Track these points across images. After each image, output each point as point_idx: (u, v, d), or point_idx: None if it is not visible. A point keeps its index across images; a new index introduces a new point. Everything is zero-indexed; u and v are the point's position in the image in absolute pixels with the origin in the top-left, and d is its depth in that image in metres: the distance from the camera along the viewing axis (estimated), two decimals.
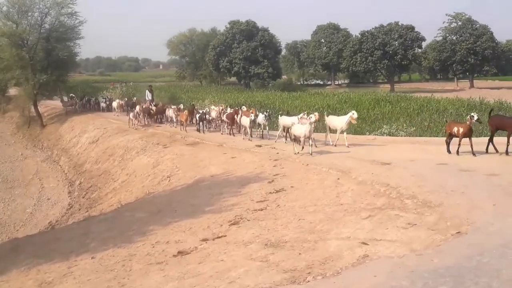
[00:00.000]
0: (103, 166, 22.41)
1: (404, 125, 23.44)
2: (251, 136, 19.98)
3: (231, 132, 21.74)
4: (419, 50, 78.23)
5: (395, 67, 76.96)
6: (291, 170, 14.08)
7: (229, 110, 22.92)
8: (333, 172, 12.93)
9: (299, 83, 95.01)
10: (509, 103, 33.79)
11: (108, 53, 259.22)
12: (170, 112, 26.15)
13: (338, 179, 12.20)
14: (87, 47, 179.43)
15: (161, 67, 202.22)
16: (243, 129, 20.64)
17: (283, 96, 45.45)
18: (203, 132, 22.71)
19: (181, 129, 23.93)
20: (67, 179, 23.74)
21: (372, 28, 76.97)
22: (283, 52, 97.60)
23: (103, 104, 36.07)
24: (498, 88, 65.61)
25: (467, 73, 78.33)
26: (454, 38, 77.21)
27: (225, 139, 20.68)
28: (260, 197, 11.89)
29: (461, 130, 14.25)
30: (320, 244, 7.77)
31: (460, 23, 76.77)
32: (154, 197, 15.31)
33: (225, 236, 9.34)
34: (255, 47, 72.15)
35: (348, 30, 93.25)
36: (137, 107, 27.40)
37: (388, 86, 75.85)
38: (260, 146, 18.25)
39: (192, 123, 24.61)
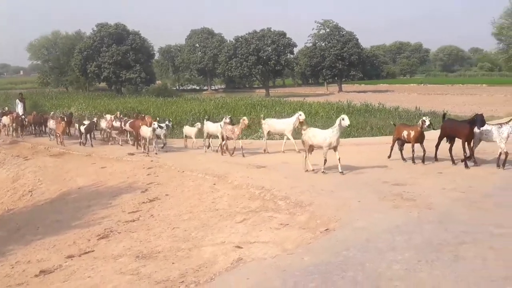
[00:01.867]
0: None
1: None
2: (154, 149, 17.58)
3: (137, 144, 19.04)
4: (291, 55, 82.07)
5: (269, 72, 79.77)
6: (166, 178, 13.90)
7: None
8: (209, 177, 12.98)
9: (174, 88, 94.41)
10: (374, 105, 36.81)
11: None
12: (51, 124, 22.61)
13: (214, 184, 12.28)
14: None
15: (21, 72, 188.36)
16: (142, 141, 18.28)
17: (158, 102, 44.86)
18: (91, 145, 20.07)
19: (58, 143, 21.30)
20: None
21: (246, 34, 79.14)
22: (157, 56, 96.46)
23: None
24: (364, 92, 71.07)
25: (336, 78, 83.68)
26: (323, 44, 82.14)
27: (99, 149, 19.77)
28: (133, 208, 11.56)
29: (412, 134, 13.04)
30: (195, 252, 7.74)
31: (328, 30, 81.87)
32: (14, 214, 14.15)
33: (93, 251, 8.91)
34: (126, 51, 70.36)
35: (222, 35, 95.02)
36: (4, 118, 25.30)
37: (263, 91, 78.36)
38: (132, 154, 17.75)
39: (70, 135, 22.90)
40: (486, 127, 12.16)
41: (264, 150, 17.02)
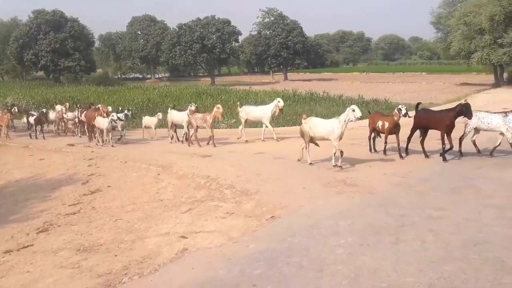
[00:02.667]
0: None
1: (225, 116, 24.27)
2: (110, 141, 16.83)
3: (92, 136, 18.00)
4: (236, 44, 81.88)
5: (214, 60, 79.33)
6: (108, 169, 13.62)
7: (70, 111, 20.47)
8: (153, 168, 12.82)
9: (116, 76, 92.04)
10: (318, 94, 37.36)
11: None
12: None
13: (159, 174, 12.14)
14: None
15: None
16: (98, 132, 17.27)
17: (99, 91, 43.76)
18: (43, 138, 19.07)
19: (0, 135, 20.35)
20: None
21: (190, 21, 78.21)
22: (97, 44, 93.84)
23: None
24: (309, 80, 71.95)
25: (281, 66, 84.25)
26: (268, 32, 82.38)
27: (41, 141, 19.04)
28: (73, 200, 11.28)
29: (386, 125, 12.21)
30: (138, 243, 7.65)
31: (272, 18, 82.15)
32: None
33: (32, 245, 8.63)
34: (64, 39, 68.08)
35: (165, 22, 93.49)
36: None
37: (209, 79, 77.91)
38: (72, 145, 17.24)
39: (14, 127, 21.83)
40: (486, 115, 11.75)
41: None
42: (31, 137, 19.48)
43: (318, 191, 9.10)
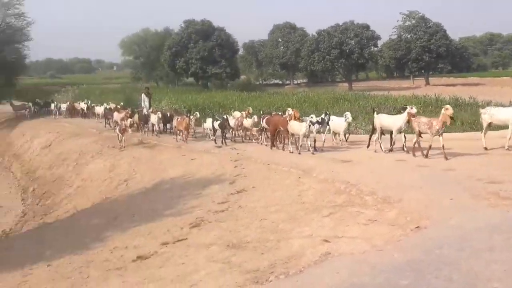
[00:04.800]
0: (57, 172, 21.85)
1: (363, 123, 23.86)
2: (311, 148, 15.21)
3: (274, 143, 16.77)
4: (375, 48, 79.97)
5: (352, 65, 78.22)
6: (252, 170, 14.11)
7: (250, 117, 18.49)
8: (294, 171, 13.03)
9: (258, 83, 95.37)
10: (464, 100, 34.97)
11: (59, 55, 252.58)
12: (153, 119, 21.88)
13: (300, 178, 12.30)
14: (37, 49, 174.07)
15: (115, 68, 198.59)
16: (291, 138, 15.72)
17: (243, 96, 45.48)
18: (225, 144, 18.29)
19: (177, 140, 20.20)
20: (20, 186, 22.98)
21: (328, 27, 78.10)
22: (241, 51, 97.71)
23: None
24: (453, 85, 67.72)
25: (423, 71, 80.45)
26: (409, 36, 79.19)
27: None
28: (222, 199, 11.87)
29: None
30: (283, 243, 7.84)
31: (414, 21, 78.86)
32: (111, 202, 15.05)
33: (186, 239, 9.28)
34: (212, 47, 71.77)
35: (304, 29, 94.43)
36: (115, 115, 23.76)
37: (346, 85, 77.09)
38: (220, 147, 18.19)
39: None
40: None
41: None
42: (215, 142, 18.80)
43: (467, 203, 8.53)
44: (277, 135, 16.86)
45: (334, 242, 7.41)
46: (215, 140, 19.03)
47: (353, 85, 76.47)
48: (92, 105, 30.94)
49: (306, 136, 14.91)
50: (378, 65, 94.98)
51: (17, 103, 36.42)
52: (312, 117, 14.91)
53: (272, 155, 15.76)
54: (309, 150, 15.18)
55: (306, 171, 12.79)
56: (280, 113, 18.13)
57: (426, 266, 5.87)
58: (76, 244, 10.91)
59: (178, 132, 20.31)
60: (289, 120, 15.41)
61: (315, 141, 15.72)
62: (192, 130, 21.37)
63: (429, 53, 75.69)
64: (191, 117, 20.54)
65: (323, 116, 15.91)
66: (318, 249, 7.23)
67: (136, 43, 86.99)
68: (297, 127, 15.00)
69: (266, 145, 17.28)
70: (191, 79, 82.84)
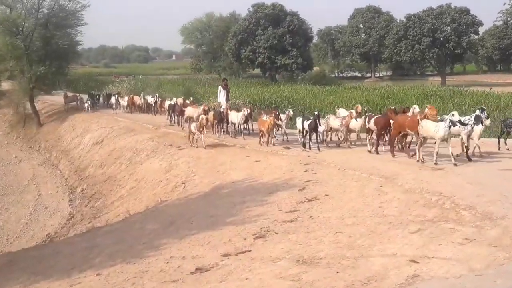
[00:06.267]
0: (108, 171, 22.67)
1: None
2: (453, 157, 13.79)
3: (398, 148, 16.16)
4: (476, 36, 77.39)
5: (447, 56, 76.18)
6: (325, 176, 14.04)
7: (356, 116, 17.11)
8: (375, 178, 12.86)
9: (333, 75, 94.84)
10: None
11: (114, 42, 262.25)
12: (233, 117, 21.25)
13: (381, 186, 12.12)
14: (91, 35, 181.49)
15: (174, 57, 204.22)
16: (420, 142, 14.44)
17: (315, 91, 45.42)
18: (318, 149, 17.37)
19: (261, 144, 19.29)
20: (68, 185, 24.09)
21: (420, 11, 76.49)
22: (315, 39, 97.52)
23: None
24: None
25: None
26: None
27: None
28: (290, 207, 11.87)
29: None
30: (362, 262, 7.73)
31: None
32: (167, 206, 15.42)
33: (249, 251, 9.34)
34: (282, 34, 71.94)
35: (391, 13, 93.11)
36: (190, 111, 22.83)
37: (438, 79, 75.17)
38: (288, 148, 18.21)
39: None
40: None
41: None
42: (304, 146, 17.85)
43: None
44: (395, 139, 15.91)
45: (423, 263, 7.24)
46: (303, 143, 17.99)
47: (446, 79, 74.32)
48: (160, 99, 31.09)
49: (445, 140, 13.71)
50: (478, 56, 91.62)
51: (69, 94, 37.92)
52: (453, 115, 13.60)
53: (349, 158, 15.61)
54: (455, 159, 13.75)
55: (389, 178, 12.58)
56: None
57: None
58: (129, 251, 11.26)
59: (261, 134, 19.36)
60: (421, 120, 14.18)
61: (467, 148, 14.45)
62: (282, 131, 20.09)
63: None
64: (288, 114, 19.52)
65: (477, 112, 14.25)
66: (404, 270, 7.07)
67: (199, 29, 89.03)
68: (433, 128, 13.84)
69: (369, 151, 16.57)
70: (257, 71, 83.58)
